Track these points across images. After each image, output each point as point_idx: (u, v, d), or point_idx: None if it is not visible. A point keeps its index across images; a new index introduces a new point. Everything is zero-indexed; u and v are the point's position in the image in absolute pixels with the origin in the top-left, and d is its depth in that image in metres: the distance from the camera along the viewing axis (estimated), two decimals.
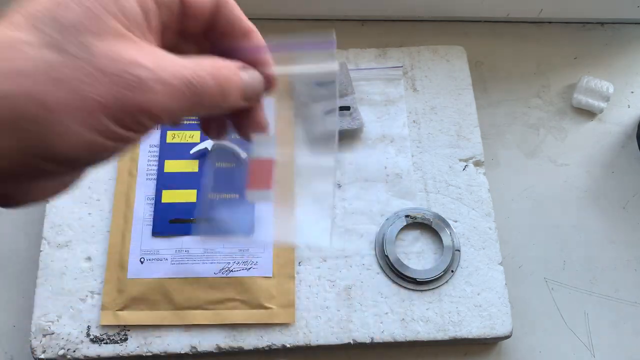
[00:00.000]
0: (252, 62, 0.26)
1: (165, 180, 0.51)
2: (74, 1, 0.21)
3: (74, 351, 0.46)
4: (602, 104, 0.59)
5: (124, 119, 0.21)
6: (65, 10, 0.20)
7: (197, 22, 0.25)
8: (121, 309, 0.47)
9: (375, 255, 0.50)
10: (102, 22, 0.21)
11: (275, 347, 0.46)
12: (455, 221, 0.51)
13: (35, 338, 0.46)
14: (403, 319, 0.47)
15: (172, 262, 0.48)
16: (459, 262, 0.50)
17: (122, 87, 0.20)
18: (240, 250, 0.49)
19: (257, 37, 0.27)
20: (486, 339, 0.47)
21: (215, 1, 0.25)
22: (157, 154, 0.52)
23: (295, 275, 0.48)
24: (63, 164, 0.20)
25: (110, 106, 0.20)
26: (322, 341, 0.46)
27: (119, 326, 0.47)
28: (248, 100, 0.26)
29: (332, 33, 0.26)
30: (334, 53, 0.27)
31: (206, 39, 0.26)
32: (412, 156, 0.54)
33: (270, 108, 0.58)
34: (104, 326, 0.46)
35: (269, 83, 0.27)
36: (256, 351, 0.47)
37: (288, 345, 0.46)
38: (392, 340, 0.47)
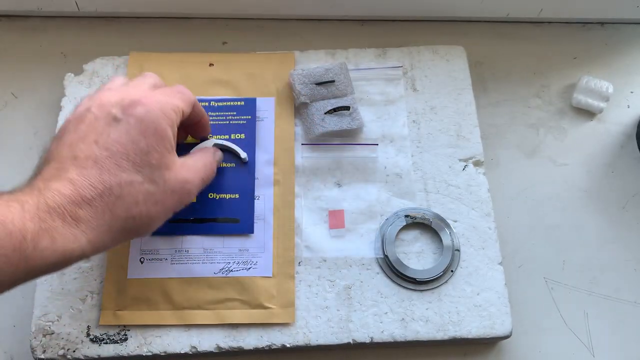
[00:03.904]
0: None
1: None
2: (153, 148, 0.38)
3: (74, 351, 0.46)
4: (602, 104, 0.59)
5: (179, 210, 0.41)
6: (151, 155, 0.37)
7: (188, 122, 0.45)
8: (121, 309, 0.47)
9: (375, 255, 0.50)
10: (169, 158, 0.39)
11: (275, 347, 0.46)
12: (455, 221, 0.51)
13: (35, 338, 0.46)
14: (403, 319, 0.47)
15: (172, 262, 0.48)
16: (458, 262, 0.50)
17: (182, 196, 0.40)
18: (240, 250, 0.49)
19: (207, 121, 0.48)
20: (486, 338, 0.48)
21: (196, 107, 0.45)
22: None
23: (295, 275, 0.48)
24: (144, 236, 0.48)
25: (175, 208, 0.40)
26: (321, 341, 0.47)
27: (118, 326, 0.47)
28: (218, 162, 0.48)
29: None
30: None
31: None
32: (412, 156, 0.54)
33: (271, 108, 0.58)
34: (103, 326, 0.47)
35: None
36: (256, 351, 0.47)
37: (288, 345, 0.46)
38: (391, 340, 0.47)
